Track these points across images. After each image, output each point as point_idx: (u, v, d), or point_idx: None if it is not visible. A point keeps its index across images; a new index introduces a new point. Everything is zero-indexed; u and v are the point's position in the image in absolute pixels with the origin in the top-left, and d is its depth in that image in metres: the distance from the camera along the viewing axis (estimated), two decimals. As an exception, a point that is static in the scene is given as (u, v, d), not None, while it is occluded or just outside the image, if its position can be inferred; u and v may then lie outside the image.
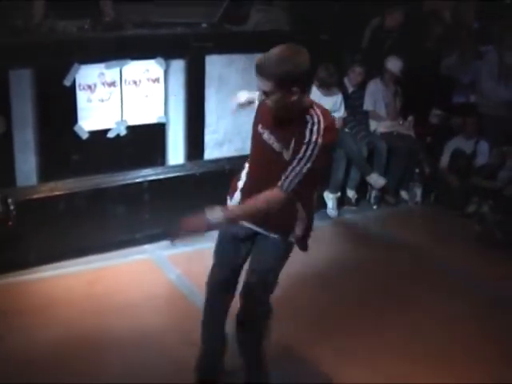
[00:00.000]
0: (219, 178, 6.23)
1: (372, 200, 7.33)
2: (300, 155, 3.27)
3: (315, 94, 6.98)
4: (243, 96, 3.97)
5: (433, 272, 5.75)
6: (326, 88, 6.92)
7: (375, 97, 7.43)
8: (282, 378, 4.14)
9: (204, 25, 6.55)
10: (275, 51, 3.22)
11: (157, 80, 5.96)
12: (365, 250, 6.13)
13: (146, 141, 6.03)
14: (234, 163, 6.42)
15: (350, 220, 6.97)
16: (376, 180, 7.03)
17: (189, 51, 6.09)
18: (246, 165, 3.75)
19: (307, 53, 3.24)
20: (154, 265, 5.60)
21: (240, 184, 3.75)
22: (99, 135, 5.76)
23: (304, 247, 3.73)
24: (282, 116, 3.36)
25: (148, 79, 5.92)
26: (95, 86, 5.66)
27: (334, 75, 6.86)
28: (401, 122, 7.54)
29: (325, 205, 6.93)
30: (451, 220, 7.10)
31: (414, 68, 7.40)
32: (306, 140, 3.26)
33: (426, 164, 7.55)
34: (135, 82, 5.86)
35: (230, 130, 6.52)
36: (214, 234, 3.69)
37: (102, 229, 5.68)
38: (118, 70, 5.74)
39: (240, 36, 6.64)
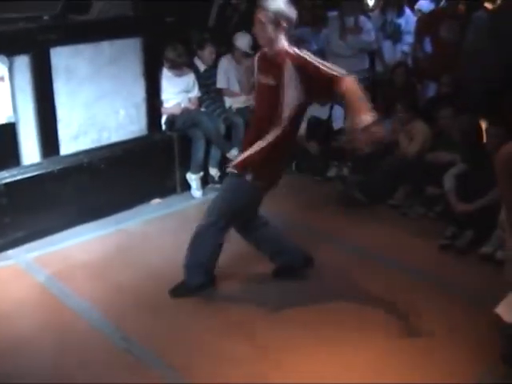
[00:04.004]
0: (78, 171, 6.15)
1: (235, 176, 7.40)
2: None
3: (166, 76, 6.99)
4: None
5: (303, 237, 5.82)
6: (177, 69, 6.95)
7: (228, 74, 7.46)
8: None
9: (46, 17, 6.36)
10: None
11: (1, 79, 5.75)
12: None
13: (-4, 143, 5.83)
14: (92, 155, 6.35)
15: (215, 198, 6.98)
16: (236, 156, 7.07)
17: (32, 45, 5.91)
18: None
19: None
20: (21, 269, 5.42)
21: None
22: None
23: None
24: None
25: (-8, 79, 5.73)
26: None
27: (182, 55, 6.90)
28: (255, 96, 7.62)
29: (189, 186, 6.97)
30: (313, 186, 7.31)
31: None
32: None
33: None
34: (-22, 83, 5.65)
35: (83, 122, 6.39)
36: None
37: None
38: (-43, 72, 5.52)
39: (84, 25, 6.50)
